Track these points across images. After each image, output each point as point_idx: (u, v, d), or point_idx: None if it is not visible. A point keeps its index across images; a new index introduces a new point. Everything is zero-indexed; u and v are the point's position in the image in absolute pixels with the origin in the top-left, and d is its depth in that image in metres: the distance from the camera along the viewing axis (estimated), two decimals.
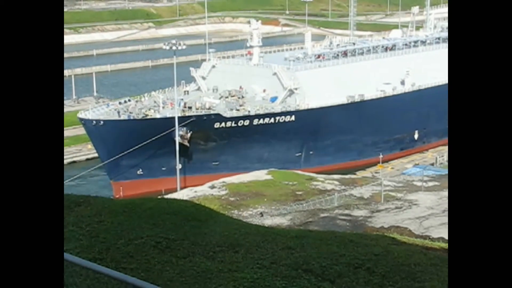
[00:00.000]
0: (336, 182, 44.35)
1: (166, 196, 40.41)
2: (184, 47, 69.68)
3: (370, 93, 79.89)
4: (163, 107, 70.62)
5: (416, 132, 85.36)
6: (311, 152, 76.47)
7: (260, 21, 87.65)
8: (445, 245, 19.45)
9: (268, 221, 29.26)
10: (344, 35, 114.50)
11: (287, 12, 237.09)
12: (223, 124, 69.48)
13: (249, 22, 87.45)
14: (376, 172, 76.57)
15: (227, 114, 70.25)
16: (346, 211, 26.15)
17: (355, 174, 70.64)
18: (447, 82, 79.85)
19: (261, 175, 48.87)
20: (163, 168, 67.04)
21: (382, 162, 78.65)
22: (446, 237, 22.22)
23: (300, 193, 40.27)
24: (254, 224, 22.85)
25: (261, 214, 35.32)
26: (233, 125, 70.36)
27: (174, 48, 67.10)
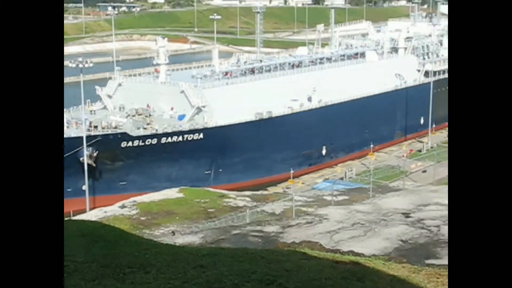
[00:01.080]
0: (248, 199, 44.49)
1: (74, 218, 39.37)
2: (91, 64, 68.57)
3: (278, 110, 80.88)
4: (67, 127, 69.03)
5: (324, 147, 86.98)
6: (220, 170, 76.52)
7: (166, 39, 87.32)
8: (354, 258, 19.81)
9: (179, 240, 28.97)
10: (253, 52, 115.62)
11: (196, 29, 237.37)
12: (130, 143, 68.57)
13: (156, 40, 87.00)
14: (287, 188, 77.43)
15: (134, 133, 69.37)
16: (258, 227, 26.24)
17: (266, 190, 71.19)
18: (352, 98, 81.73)
19: (172, 193, 48.39)
20: (69, 190, 65.46)
21: (293, 178, 79.63)
22: (356, 250, 22.66)
23: (212, 210, 40.17)
24: (166, 243, 22.58)
25: (173, 233, 34.98)
26: (140, 144, 69.54)
27: (80, 65, 65.87)
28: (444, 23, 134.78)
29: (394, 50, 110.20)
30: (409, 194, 32.06)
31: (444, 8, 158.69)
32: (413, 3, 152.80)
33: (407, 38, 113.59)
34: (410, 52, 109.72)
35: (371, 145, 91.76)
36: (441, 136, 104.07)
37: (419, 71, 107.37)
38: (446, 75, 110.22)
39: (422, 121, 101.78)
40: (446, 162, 78.93)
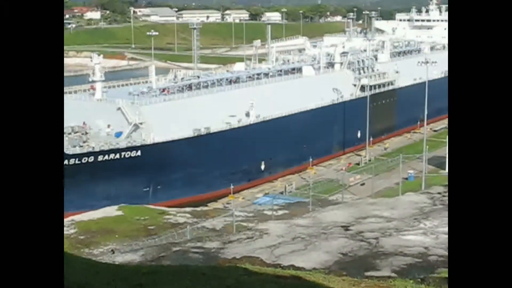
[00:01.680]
0: (188, 215, 44.22)
1: None
2: None
3: (216, 126, 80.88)
4: None
5: (263, 162, 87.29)
6: (159, 187, 75.88)
7: (102, 55, 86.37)
8: (295, 273, 19.92)
9: (119, 258, 28.54)
10: (191, 68, 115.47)
11: (133, 46, 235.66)
12: (66, 162, 67.36)
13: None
14: (227, 203, 77.37)
15: (70, 151, 68.23)
16: (199, 244, 26.09)
17: (207, 206, 70.95)
18: (290, 113, 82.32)
19: (111, 211, 47.70)
20: None
21: (233, 193, 79.61)
22: (296, 264, 22.77)
23: (152, 227, 39.74)
24: (105, 262, 22.22)
25: (112, 251, 34.44)
26: (77, 162, 68.40)
27: None
28: (378, 38, 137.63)
29: (330, 65, 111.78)
30: (348, 207, 32.44)
31: (378, 24, 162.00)
32: (348, 19, 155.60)
33: (343, 53, 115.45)
34: (346, 67, 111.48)
35: (310, 159, 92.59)
36: (379, 149, 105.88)
37: (355, 85, 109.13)
38: (382, 89, 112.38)
39: (359, 134, 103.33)
40: (384, 174, 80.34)
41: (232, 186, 78.84)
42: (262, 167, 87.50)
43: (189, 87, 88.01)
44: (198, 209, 56.32)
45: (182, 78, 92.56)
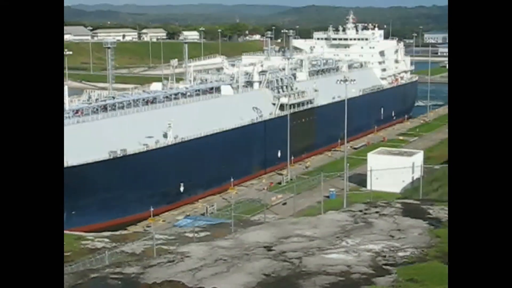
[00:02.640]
0: (107, 240, 43.39)
1: None
2: None
3: (133, 148, 79.94)
4: None
5: (182, 184, 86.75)
6: (73, 212, 74.19)
7: None
8: None
9: None
10: (107, 89, 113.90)
11: None
12: None
13: None
14: (147, 226, 76.44)
15: None
16: (118, 269, 25.64)
17: (126, 229, 69.86)
18: (209, 133, 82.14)
19: None
20: None
21: (153, 216, 78.74)
22: (219, 287, 22.69)
23: (68, 254, 38.78)
24: None
25: None
26: None
27: None
28: (297, 56, 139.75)
29: (249, 84, 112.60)
30: (271, 227, 32.63)
31: (296, 42, 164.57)
32: (266, 37, 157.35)
33: (262, 72, 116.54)
34: (264, 85, 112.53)
35: (232, 180, 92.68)
36: (300, 168, 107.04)
37: (274, 104, 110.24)
38: (301, 108, 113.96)
39: (279, 154, 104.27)
40: (306, 193, 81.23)
41: (152, 209, 77.97)
42: (182, 188, 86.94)
43: (104, 108, 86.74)
44: (117, 233, 55.40)
45: (96, 99, 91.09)
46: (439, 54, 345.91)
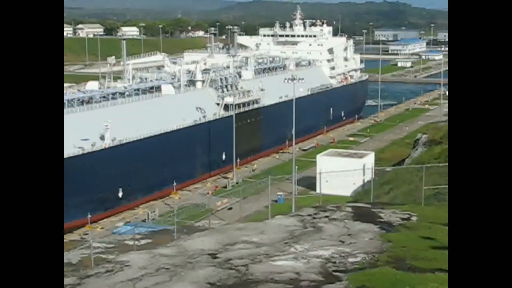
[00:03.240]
0: None
1: None
2: None
3: (67, 151, 78.81)
4: None
5: (120, 189, 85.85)
6: None
7: None
8: None
9: None
10: None
11: None
12: None
13: None
14: (84, 234, 75.56)
15: None
16: None
17: None
18: (149, 135, 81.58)
19: None
20: None
21: (91, 223, 77.81)
22: None
23: None
24: None
25: None
26: None
27: None
28: (242, 54, 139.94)
29: (192, 83, 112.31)
30: (216, 234, 32.58)
31: (241, 39, 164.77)
32: (210, 34, 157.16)
33: (205, 70, 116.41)
34: (208, 85, 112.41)
35: (174, 184, 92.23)
36: (246, 171, 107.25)
37: (218, 104, 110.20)
38: (247, 108, 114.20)
39: (224, 156, 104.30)
40: (253, 197, 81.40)
41: (89, 216, 77.02)
42: (120, 194, 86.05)
43: None
44: None
45: None
46: (390, 52, 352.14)
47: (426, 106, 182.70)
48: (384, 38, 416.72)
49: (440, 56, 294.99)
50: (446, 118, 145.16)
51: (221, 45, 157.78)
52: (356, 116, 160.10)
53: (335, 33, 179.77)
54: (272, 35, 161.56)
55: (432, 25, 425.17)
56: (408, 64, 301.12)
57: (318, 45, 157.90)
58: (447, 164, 50.57)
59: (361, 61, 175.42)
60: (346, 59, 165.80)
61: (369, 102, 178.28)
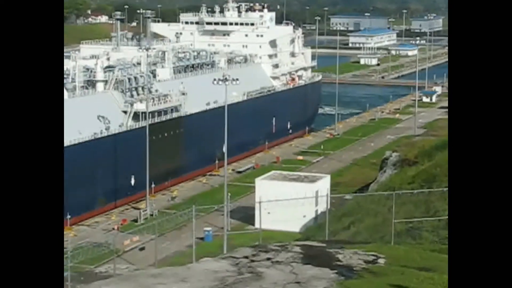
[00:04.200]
0: None
1: None
2: None
3: None
4: None
5: None
6: None
7: None
8: None
9: None
10: None
11: None
12: None
13: None
14: None
15: None
16: None
17: None
18: None
19: None
20: None
21: None
22: None
23: None
24: None
25: None
26: None
27: None
28: (157, 47, 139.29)
29: (91, 84, 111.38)
30: (123, 282, 32.36)
31: (157, 28, 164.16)
32: (115, 19, 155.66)
33: (108, 67, 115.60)
34: (112, 87, 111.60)
35: (68, 217, 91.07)
36: (164, 199, 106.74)
37: (126, 112, 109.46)
38: (164, 118, 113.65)
39: (133, 180, 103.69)
40: (172, 234, 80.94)
41: None
42: None
43: None
44: None
45: None
46: (350, 45, 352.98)
47: (397, 115, 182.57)
48: (343, 28, 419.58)
49: (414, 51, 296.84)
50: (422, 131, 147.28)
51: (130, 34, 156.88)
52: (307, 128, 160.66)
53: (279, 21, 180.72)
54: (197, 23, 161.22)
55: (405, 11, 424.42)
56: (374, 62, 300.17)
57: (257, 36, 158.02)
58: (423, 190, 51.13)
59: (313, 57, 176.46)
60: (293, 54, 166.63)
61: (324, 110, 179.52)
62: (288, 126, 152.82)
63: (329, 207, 62.11)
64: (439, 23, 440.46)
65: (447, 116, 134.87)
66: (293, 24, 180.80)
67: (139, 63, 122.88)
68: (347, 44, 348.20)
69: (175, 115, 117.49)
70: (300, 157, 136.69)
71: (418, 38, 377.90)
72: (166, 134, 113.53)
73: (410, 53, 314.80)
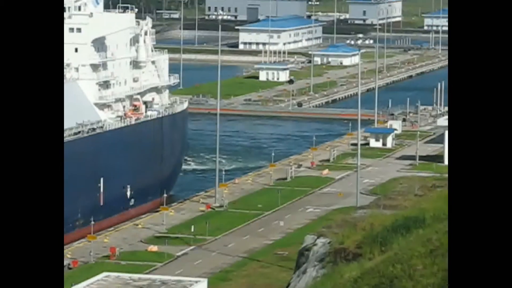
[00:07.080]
0: None
1: None
2: None
3: None
4: None
5: None
6: None
7: None
8: None
9: None
10: None
11: None
12: None
13: None
14: None
15: None
16: None
17: None
18: None
19: None
20: None
21: None
22: None
23: None
24: None
25: None
26: None
27: None
28: None
29: None
30: None
31: None
32: None
33: None
34: None
35: None
36: None
37: None
38: None
39: None
40: None
41: None
42: None
43: None
44: None
45: None
46: (241, 46, 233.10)
47: (325, 172, 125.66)
48: (227, 16, 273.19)
49: (354, 58, 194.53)
50: (370, 199, 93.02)
51: None
52: (164, 196, 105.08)
53: (112, 5, 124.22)
54: None
55: None
56: (284, 76, 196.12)
57: (70, 29, 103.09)
58: None
59: (173, 69, 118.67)
60: (137, 64, 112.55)
61: (194, 164, 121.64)
62: (128, 193, 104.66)
63: None
64: (396, 8, 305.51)
65: (411, 173, 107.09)
66: (137, 9, 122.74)
67: None
68: (236, 45, 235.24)
69: None
70: (154, 248, 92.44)
71: (360, 35, 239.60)
72: None
73: (346, 61, 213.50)
